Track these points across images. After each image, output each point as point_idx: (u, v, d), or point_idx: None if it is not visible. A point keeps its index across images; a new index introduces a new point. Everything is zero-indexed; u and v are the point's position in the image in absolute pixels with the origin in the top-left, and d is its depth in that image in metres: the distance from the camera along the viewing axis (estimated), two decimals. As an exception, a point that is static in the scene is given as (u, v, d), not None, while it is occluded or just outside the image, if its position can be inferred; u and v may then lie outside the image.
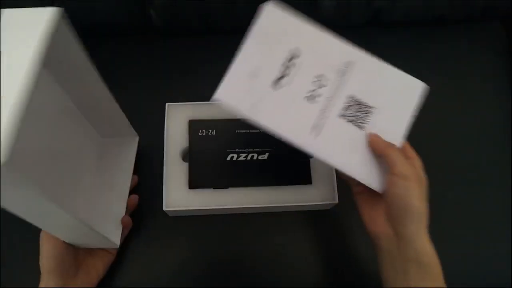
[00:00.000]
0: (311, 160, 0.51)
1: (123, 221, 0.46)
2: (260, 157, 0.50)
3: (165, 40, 0.62)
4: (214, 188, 0.49)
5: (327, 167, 0.51)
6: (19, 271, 0.48)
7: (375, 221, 0.39)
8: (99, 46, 0.61)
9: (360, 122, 0.39)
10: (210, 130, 0.51)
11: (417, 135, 0.58)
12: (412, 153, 0.39)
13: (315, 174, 0.50)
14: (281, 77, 0.38)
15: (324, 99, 0.38)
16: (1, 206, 0.28)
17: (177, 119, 0.52)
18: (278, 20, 0.39)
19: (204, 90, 0.58)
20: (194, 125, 0.52)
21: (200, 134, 0.51)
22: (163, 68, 0.60)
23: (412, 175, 0.36)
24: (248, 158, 0.50)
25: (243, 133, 0.51)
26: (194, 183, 0.49)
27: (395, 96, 0.40)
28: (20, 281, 0.47)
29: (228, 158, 0.50)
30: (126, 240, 0.49)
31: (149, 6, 0.58)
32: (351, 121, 0.38)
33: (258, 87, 0.37)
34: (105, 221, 0.46)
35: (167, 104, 0.52)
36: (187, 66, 0.60)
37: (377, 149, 0.38)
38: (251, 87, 0.37)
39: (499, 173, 0.56)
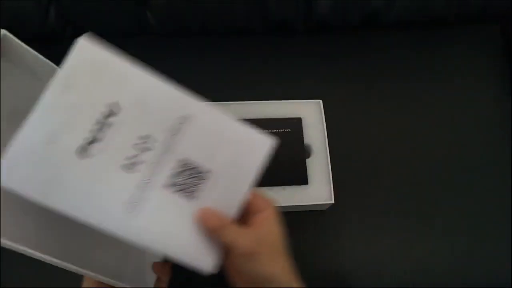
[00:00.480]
0: (307, 160, 0.51)
1: (154, 269, 0.39)
2: (256, 158, 0.50)
3: (162, 41, 0.62)
4: (210, 189, 0.49)
5: (324, 167, 0.51)
6: (19, 271, 0.49)
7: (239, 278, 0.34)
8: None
9: (191, 191, 0.32)
10: (207, 131, 0.51)
11: (417, 135, 0.59)
12: (262, 203, 0.34)
13: (311, 174, 0.50)
14: (91, 142, 0.29)
15: (148, 166, 0.30)
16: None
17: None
18: (94, 61, 0.29)
19: (200, 91, 0.59)
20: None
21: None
22: (160, 69, 0.60)
23: (258, 245, 0.31)
24: (245, 158, 0.50)
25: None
26: (191, 183, 0.49)
27: (237, 156, 0.33)
28: (20, 281, 0.48)
29: (225, 159, 0.50)
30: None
31: (146, 7, 0.59)
32: (180, 190, 0.31)
33: (56, 158, 0.28)
34: (128, 267, 0.40)
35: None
36: (184, 67, 0.60)
37: (209, 229, 0.31)
38: (47, 159, 0.28)
39: (499, 173, 0.56)
